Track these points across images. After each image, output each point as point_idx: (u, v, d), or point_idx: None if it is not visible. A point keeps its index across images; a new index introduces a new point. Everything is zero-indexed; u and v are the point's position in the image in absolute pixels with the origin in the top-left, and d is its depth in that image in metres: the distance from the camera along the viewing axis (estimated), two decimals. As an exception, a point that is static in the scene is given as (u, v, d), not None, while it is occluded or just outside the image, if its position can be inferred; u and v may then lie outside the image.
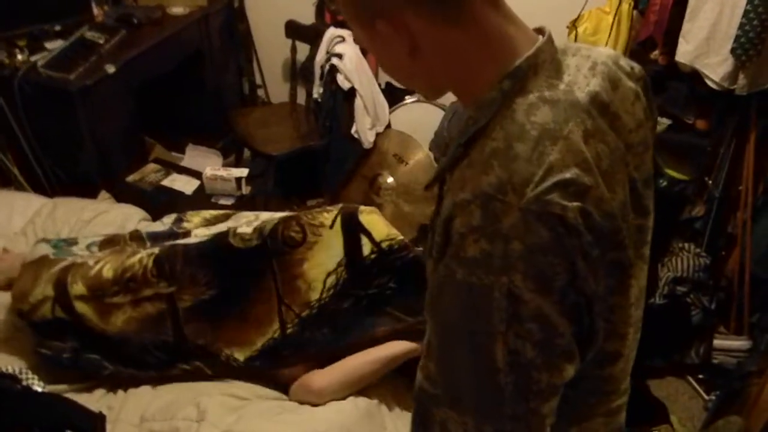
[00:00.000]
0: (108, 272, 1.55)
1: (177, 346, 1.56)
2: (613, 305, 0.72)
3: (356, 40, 0.70)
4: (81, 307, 1.53)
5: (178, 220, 1.79)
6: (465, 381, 0.68)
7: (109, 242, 1.73)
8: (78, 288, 1.53)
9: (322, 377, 1.53)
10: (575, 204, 0.62)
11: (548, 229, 0.61)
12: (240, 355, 1.56)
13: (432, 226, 0.72)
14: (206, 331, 1.56)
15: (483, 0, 0.68)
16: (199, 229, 1.74)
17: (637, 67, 0.81)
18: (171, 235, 1.72)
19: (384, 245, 1.58)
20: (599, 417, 0.84)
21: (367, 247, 1.57)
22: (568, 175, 0.63)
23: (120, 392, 1.59)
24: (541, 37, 0.71)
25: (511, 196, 0.61)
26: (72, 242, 1.77)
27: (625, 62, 0.80)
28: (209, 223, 1.80)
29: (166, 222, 1.84)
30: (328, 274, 1.55)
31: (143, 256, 1.57)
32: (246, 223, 1.68)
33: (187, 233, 1.72)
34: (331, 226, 1.57)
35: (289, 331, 1.54)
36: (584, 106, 0.69)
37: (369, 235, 1.58)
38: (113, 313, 1.54)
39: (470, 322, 0.65)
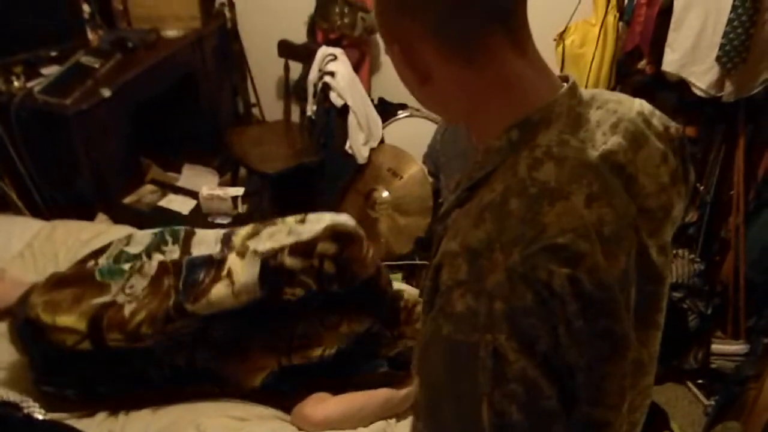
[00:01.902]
0: (146, 328, 1.48)
1: (188, 370, 1.57)
2: (604, 374, 0.68)
3: (386, 51, 0.71)
4: (114, 342, 1.49)
5: (227, 240, 1.62)
6: None
7: (154, 282, 1.57)
8: (114, 335, 1.49)
9: (322, 409, 1.50)
10: (564, 270, 0.60)
11: (532, 293, 0.59)
12: (245, 385, 1.57)
13: (427, 269, 0.70)
14: (215, 359, 1.56)
15: (506, 44, 0.66)
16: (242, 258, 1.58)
17: (673, 126, 0.78)
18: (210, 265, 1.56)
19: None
20: None
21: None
22: (560, 240, 0.60)
23: (121, 415, 1.58)
24: (564, 84, 0.69)
25: (498, 254, 0.60)
26: (118, 260, 1.69)
27: (659, 121, 0.76)
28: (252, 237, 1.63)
29: (213, 241, 1.66)
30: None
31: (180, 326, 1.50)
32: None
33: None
34: None
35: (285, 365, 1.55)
36: (594, 166, 0.66)
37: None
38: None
39: (456, 382, 0.63)
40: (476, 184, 0.68)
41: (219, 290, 1.44)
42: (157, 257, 1.66)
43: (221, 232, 1.65)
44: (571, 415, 0.67)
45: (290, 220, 1.61)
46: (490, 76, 0.66)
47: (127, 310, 1.50)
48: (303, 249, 1.44)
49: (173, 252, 1.68)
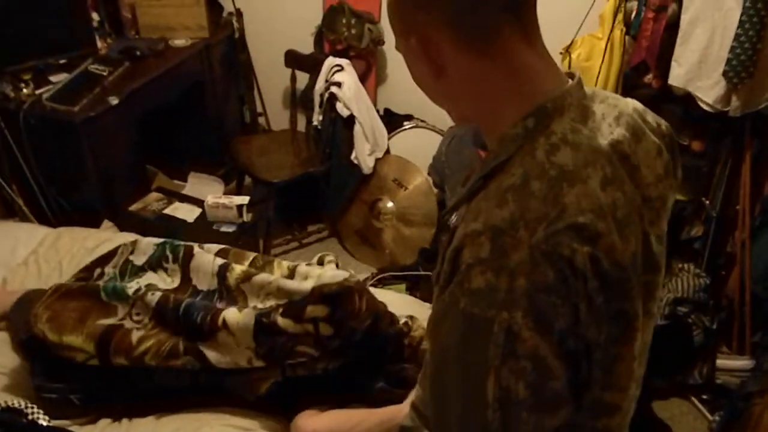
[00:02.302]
0: (150, 359, 1.52)
1: (192, 387, 1.59)
2: (615, 356, 0.71)
3: (396, 47, 0.73)
4: (119, 364, 1.53)
5: (223, 276, 1.63)
6: (453, 409, 0.68)
7: (156, 315, 1.59)
8: (120, 359, 1.53)
9: (313, 422, 1.49)
10: (585, 248, 0.62)
11: (555, 270, 0.61)
12: (251, 393, 1.57)
13: (442, 255, 0.72)
14: (219, 376, 1.57)
15: (517, 35, 0.68)
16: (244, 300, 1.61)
17: (664, 124, 0.81)
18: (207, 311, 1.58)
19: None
20: None
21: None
22: (581, 219, 0.63)
23: (124, 422, 1.59)
24: (570, 80, 0.72)
25: (522, 232, 0.62)
26: (123, 273, 1.71)
27: (652, 118, 0.81)
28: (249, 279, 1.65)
29: (210, 271, 1.65)
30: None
31: (184, 363, 1.53)
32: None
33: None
34: None
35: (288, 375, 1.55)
36: (606, 153, 0.70)
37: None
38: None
39: (466, 352, 0.65)
40: (491, 173, 0.69)
41: (224, 338, 1.48)
42: (159, 279, 1.69)
43: (217, 263, 1.65)
44: (583, 398, 0.68)
45: (278, 271, 1.63)
46: (503, 66, 0.69)
47: (135, 337, 1.53)
48: (294, 312, 1.47)
49: (174, 273, 1.70)
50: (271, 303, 1.54)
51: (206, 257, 1.67)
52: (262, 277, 1.57)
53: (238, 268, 1.61)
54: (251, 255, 1.76)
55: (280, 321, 1.46)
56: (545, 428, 0.66)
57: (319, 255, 1.84)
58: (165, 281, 1.70)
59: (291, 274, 1.61)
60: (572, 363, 0.64)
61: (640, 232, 0.71)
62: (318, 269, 1.59)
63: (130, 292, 1.60)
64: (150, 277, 1.71)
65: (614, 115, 0.75)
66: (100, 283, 1.66)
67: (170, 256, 1.72)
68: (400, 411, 1.53)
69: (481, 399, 0.64)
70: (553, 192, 0.64)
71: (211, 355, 1.49)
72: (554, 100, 0.69)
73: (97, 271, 1.76)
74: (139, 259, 1.75)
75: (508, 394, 0.63)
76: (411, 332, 1.64)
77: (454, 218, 0.87)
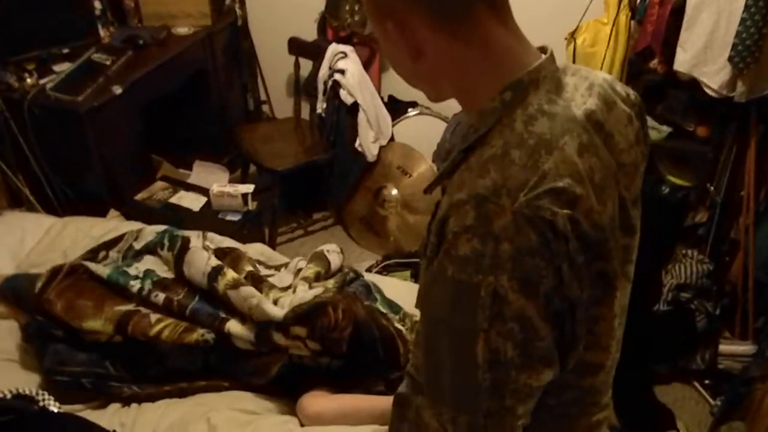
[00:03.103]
0: (167, 336, 1.60)
1: (204, 368, 1.65)
2: (597, 316, 0.75)
3: (372, 33, 0.75)
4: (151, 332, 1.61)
5: (214, 278, 1.67)
6: (446, 373, 0.71)
7: (165, 287, 1.69)
8: (138, 338, 1.61)
9: (318, 404, 1.55)
10: (565, 211, 0.65)
11: (537, 233, 0.64)
12: (261, 376, 1.63)
13: (429, 227, 0.75)
14: (229, 360, 1.64)
15: (491, 15, 0.71)
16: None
17: (633, 93, 0.84)
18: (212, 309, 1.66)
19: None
20: (581, 431, 0.86)
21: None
22: (560, 183, 0.66)
23: (133, 408, 1.62)
24: (543, 55, 0.75)
25: (505, 199, 0.64)
26: (124, 265, 1.77)
27: (621, 88, 0.83)
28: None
29: (202, 272, 1.69)
30: None
31: (198, 337, 1.61)
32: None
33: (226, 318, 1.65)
34: None
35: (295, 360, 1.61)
36: (581, 121, 0.73)
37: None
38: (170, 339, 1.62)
39: (455, 318, 0.68)
40: (472, 146, 0.72)
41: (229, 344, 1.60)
42: (156, 264, 1.76)
43: (211, 264, 1.68)
44: (569, 358, 0.72)
45: (269, 293, 1.67)
46: (479, 45, 0.71)
47: (153, 318, 1.62)
48: (283, 330, 1.56)
49: (168, 262, 1.75)
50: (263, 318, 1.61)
51: (201, 255, 1.71)
52: (248, 290, 1.61)
53: (230, 275, 1.65)
54: (248, 266, 1.79)
55: (275, 336, 1.56)
56: (533, 387, 0.69)
57: (318, 249, 1.89)
58: (161, 268, 1.75)
59: (275, 301, 1.65)
60: (557, 323, 0.68)
61: (617, 196, 0.75)
62: (290, 298, 1.63)
63: (133, 285, 1.66)
64: (148, 262, 1.77)
65: (586, 86, 0.78)
66: (107, 271, 1.70)
67: (166, 245, 1.78)
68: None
69: (471, 362, 0.67)
70: (533, 159, 0.66)
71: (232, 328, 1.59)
72: (529, 74, 0.72)
73: (102, 253, 1.84)
74: (139, 244, 1.83)
75: (497, 356, 0.66)
76: (404, 333, 1.66)
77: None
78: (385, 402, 1.54)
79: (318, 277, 1.77)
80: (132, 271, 1.72)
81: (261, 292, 1.64)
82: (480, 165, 0.68)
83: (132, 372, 1.62)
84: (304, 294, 1.62)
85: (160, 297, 1.64)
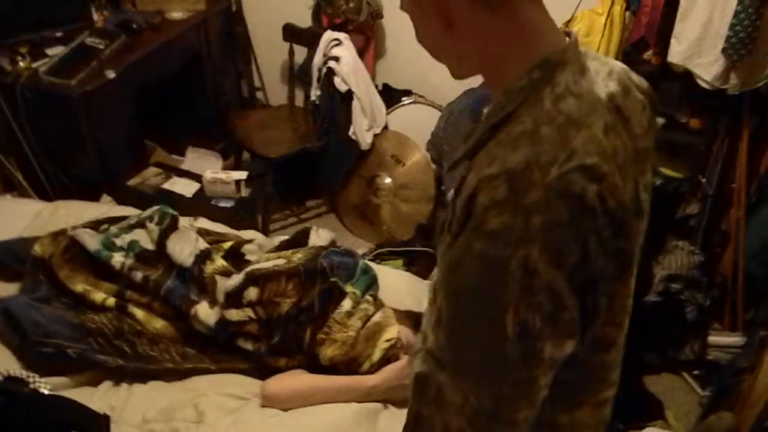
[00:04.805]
0: (164, 327, 1.72)
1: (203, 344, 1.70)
2: (614, 292, 0.76)
3: (402, 7, 0.77)
4: (137, 312, 1.71)
5: (203, 260, 1.76)
6: (473, 348, 0.72)
7: (146, 261, 1.78)
8: (137, 311, 1.72)
9: (275, 385, 1.58)
10: (594, 186, 0.67)
11: (567, 207, 0.66)
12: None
13: (453, 204, 0.76)
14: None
15: None
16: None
17: (645, 83, 0.86)
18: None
19: None
20: (589, 407, 0.87)
21: None
22: (589, 160, 0.68)
23: (123, 390, 1.62)
24: (568, 38, 0.77)
25: (537, 173, 0.66)
26: (112, 234, 1.86)
27: (636, 77, 0.85)
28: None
29: (189, 251, 1.78)
30: None
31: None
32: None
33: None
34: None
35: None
36: (604, 103, 0.75)
37: None
38: (158, 320, 1.71)
39: (485, 293, 0.69)
40: (498, 123, 0.73)
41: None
42: (141, 236, 1.85)
43: (201, 245, 1.79)
44: (587, 333, 0.74)
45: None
46: (509, 20, 0.73)
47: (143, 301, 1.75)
48: (234, 301, 1.65)
49: (153, 234, 1.84)
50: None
51: (190, 235, 1.82)
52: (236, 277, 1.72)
53: (219, 261, 1.76)
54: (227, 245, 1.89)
55: (226, 314, 1.65)
56: (556, 359, 0.72)
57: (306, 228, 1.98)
58: (145, 239, 1.84)
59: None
60: (581, 296, 0.70)
61: (633, 179, 0.76)
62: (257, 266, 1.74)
63: (116, 262, 1.75)
64: (135, 234, 1.86)
65: (606, 71, 0.80)
66: (95, 246, 1.79)
67: (155, 219, 1.87)
68: (363, 381, 1.58)
69: (500, 335, 0.69)
70: (562, 136, 0.68)
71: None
72: (557, 53, 0.73)
73: (104, 226, 1.92)
74: (134, 219, 1.92)
75: (526, 328, 0.68)
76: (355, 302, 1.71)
77: (450, 193, 0.90)
78: (343, 382, 1.59)
79: (283, 246, 1.87)
80: (119, 241, 1.82)
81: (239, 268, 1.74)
82: (511, 141, 0.70)
83: (116, 348, 1.64)
84: (266, 263, 1.71)
85: (138, 275, 1.73)
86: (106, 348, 1.63)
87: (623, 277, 0.76)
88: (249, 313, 1.65)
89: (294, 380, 1.60)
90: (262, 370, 1.65)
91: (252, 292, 1.64)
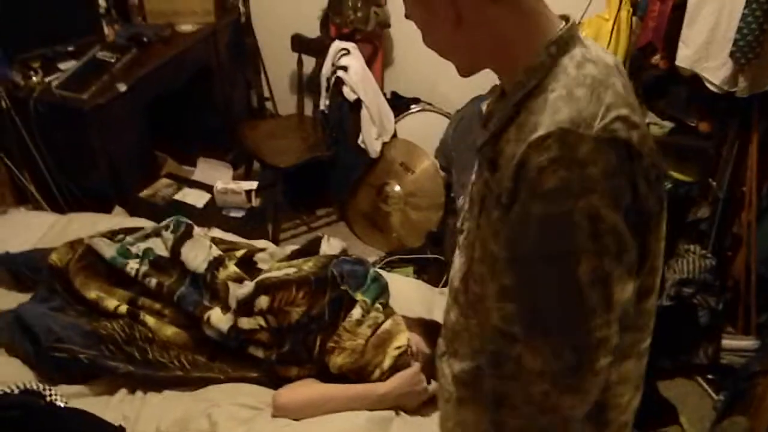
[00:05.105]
0: (175, 334, 1.73)
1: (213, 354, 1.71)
2: (658, 234, 0.81)
3: (407, 15, 0.81)
4: (149, 319, 1.73)
5: (216, 266, 1.79)
6: (550, 306, 0.77)
7: (160, 268, 1.81)
8: (148, 318, 1.74)
9: (286, 395, 1.58)
10: (635, 133, 0.74)
11: (616, 154, 0.72)
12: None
13: (500, 177, 0.78)
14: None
15: None
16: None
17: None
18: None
19: None
20: (633, 359, 0.90)
21: None
22: (623, 112, 0.74)
23: (137, 399, 1.64)
24: (564, 23, 0.83)
25: (584, 128, 0.71)
26: (127, 243, 1.90)
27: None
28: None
29: (204, 257, 1.82)
30: None
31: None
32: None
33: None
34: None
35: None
36: (613, 68, 0.81)
37: None
38: (169, 327, 1.72)
39: (554, 248, 0.74)
40: (523, 98, 0.78)
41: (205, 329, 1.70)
42: (156, 244, 1.88)
43: (214, 252, 1.83)
44: (639, 276, 0.79)
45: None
46: (514, 9, 0.79)
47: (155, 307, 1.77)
48: (246, 310, 1.66)
49: (168, 243, 1.87)
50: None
51: (204, 242, 1.86)
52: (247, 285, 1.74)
53: (232, 269, 1.78)
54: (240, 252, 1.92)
55: (239, 322, 1.66)
56: (623, 302, 0.77)
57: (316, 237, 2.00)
58: (160, 247, 1.87)
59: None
60: (637, 236, 0.75)
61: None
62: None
63: (131, 269, 1.78)
64: (150, 242, 1.89)
65: (601, 48, 0.87)
66: (111, 253, 1.82)
67: (171, 227, 1.91)
68: (374, 389, 1.58)
69: (577, 284, 0.73)
70: (595, 95, 0.74)
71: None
72: (566, 31, 0.80)
73: (120, 236, 1.95)
74: (149, 229, 1.96)
75: (599, 272, 0.73)
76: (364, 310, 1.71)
77: (460, 200, 0.93)
78: (354, 391, 1.59)
79: (294, 255, 1.89)
80: (134, 249, 1.85)
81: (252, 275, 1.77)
82: (549, 106, 0.74)
83: (126, 354, 1.66)
84: (277, 272, 1.73)
85: (153, 282, 1.76)
86: (117, 354, 1.65)
87: (659, 220, 0.81)
88: (260, 321, 1.66)
89: (305, 389, 1.60)
90: (273, 380, 1.65)
91: (263, 301, 1.65)
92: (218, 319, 1.67)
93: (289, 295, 1.66)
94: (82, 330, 1.67)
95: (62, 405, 1.53)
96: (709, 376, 2.32)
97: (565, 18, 0.83)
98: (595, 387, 0.79)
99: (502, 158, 0.78)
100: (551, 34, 0.79)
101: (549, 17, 0.81)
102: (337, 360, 1.62)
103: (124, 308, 1.72)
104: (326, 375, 1.64)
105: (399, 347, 1.64)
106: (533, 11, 0.80)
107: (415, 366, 1.62)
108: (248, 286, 1.69)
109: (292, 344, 1.64)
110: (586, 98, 0.74)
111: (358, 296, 1.74)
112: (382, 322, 1.69)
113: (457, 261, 0.98)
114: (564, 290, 0.74)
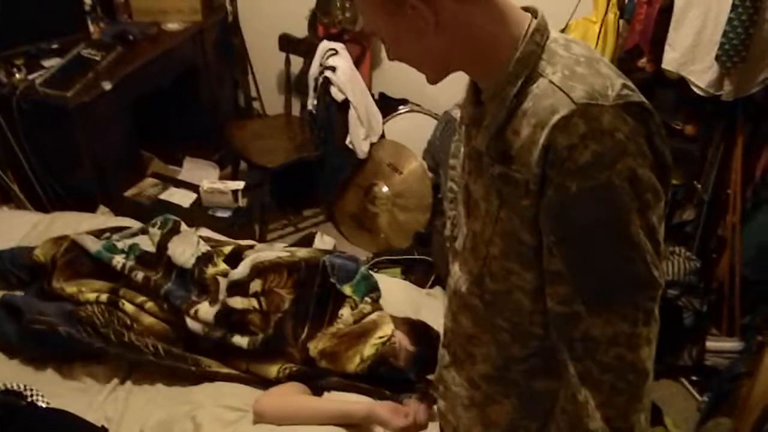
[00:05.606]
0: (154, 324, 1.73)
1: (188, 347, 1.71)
2: (669, 190, 0.84)
3: (367, 27, 0.83)
4: (128, 307, 1.74)
5: (205, 262, 1.80)
6: (611, 273, 0.79)
7: (146, 263, 1.82)
8: (128, 306, 1.74)
9: (264, 402, 1.55)
10: (640, 95, 0.78)
11: (633, 116, 0.75)
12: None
13: (522, 165, 0.79)
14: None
15: None
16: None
17: None
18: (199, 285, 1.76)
19: None
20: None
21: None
22: (622, 80, 0.78)
23: (120, 401, 1.62)
24: (530, 13, 0.85)
25: (602, 99, 0.75)
26: (113, 239, 1.91)
27: None
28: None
29: (191, 253, 1.82)
30: None
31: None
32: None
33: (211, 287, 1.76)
34: None
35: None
36: (588, 46, 0.85)
37: None
38: (148, 316, 1.73)
39: (604, 218, 0.76)
40: (521, 88, 0.80)
41: (192, 323, 1.70)
42: (143, 240, 1.90)
43: (202, 248, 1.84)
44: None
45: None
46: (487, 6, 0.81)
47: (137, 300, 1.76)
48: (240, 290, 1.69)
49: (155, 238, 1.88)
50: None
51: (192, 238, 1.87)
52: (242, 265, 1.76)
53: (221, 265, 1.79)
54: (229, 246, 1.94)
55: (230, 301, 1.67)
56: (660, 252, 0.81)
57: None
58: (146, 243, 1.88)
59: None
60: (663, 186, 0.79)
61: None
62: (254, 254, 1.79)
63: (117, 263, 1.78)
64: (137, 239, 1.91)
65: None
66: (96, 248, 1.83)
67: (158, 224, 1.93)
68: (354, 411, 1.53)
69: (634, 243, 0.76)
70: (594, 69, 0.78)
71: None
72: (540, 21, 0.82)
73: (107, 234, 1.96)
74: (136, 228, 1.98)
75: (647, 226, 0.77)
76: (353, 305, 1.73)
77: (446, 205, 0.94)
78: (335, 408, 1.55)
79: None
80: (120, 245, 1.86)
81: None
82: (560, 86, 0.77)
83: (102, 336, 1.66)
84: (269, 253, 1.76)
85: (140, 276, 1.76)
86: (94, 336, 1.66)
87: (668, 180, 0.83)
88: (254, 303, 1.68)
89: (285, 400, 1.57)
90: (258, 381, 1.64)
91: (257, 284, 1.69)
92: (206, 311, 1.67)
93: (281, 278, 1.69)
94: (63, 309, 1.70)
95: (43, 405, 1.51)
96: (694, 378, 2.33)
97: (528, 9, 0.85)
98: (655, 333, 0.83)
99: (515, 148, 0.80)
100: (526, 25, 0.81)
101: (517, 9, 0.84)
102: (318, 344, 1.64)
103: (104, 297, 1.73)
104: (309, 375, 1.63)
105: (381, 337, 1.63)
106: (505, 5, 0.82)
107: (412, 403, 1.55)
108: (243, 266, 1.71)
109: (277, 330, 1.65)
110: (589, 73, 0.77)
111: (346, 289, 1.74)
112: (369, 313, 1.70)
113: (458, 268, 0.97)
114: (621, 254, 0.77)
